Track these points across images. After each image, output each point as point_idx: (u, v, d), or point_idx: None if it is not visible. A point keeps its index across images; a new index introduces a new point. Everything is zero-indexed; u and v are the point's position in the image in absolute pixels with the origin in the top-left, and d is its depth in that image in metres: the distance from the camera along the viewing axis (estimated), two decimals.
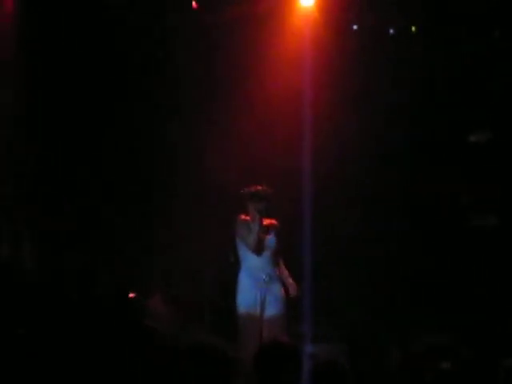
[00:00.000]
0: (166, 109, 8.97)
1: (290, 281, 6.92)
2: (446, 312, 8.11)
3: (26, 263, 7.80)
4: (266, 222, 6.94)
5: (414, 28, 8.97)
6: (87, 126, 8.65)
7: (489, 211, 9.04)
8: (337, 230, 8.89)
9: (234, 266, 7.08)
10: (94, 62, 8.62)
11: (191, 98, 8.93)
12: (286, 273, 6.97)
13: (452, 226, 9.06)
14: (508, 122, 9.00)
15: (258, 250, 6.82)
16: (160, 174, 8.98)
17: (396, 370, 5.84)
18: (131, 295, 6.60)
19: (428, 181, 9.15)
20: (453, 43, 8.95)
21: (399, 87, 8.92)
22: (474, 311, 8.15)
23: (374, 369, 6.76)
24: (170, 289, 8.38)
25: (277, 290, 6.88)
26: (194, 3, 8.81)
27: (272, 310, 6.82)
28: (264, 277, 6.84)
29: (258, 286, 6.83)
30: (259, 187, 6.86)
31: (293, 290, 6.88)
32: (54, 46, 8.50)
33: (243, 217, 6.92)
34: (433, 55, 9.00)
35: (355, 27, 9.00)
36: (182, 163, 8.97)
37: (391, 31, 9.02)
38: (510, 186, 9.00)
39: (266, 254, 6.88)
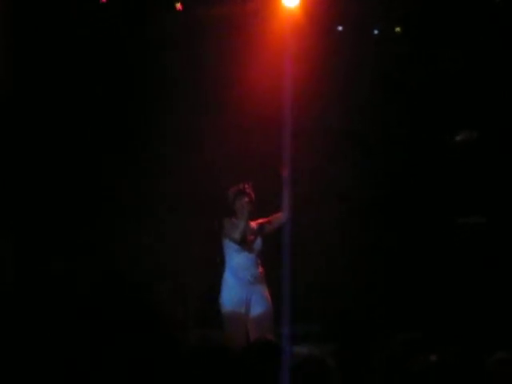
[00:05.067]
0: (151, 104, 8.93)
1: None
2: (431, 308, 8.17)
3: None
4: (252, 223, 7.01)
5: (398, 28, 8.98)
6: (71, 127, 8.61)
7: (474, 210, 9.05)
8: (319, 225, 8.89)
9: (220, 267, 7.10)
10: (82, 60, 8.61)
11: (177, 94, 8.90)
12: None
13: (436, 224, 9.08)
14: (494, 121, 9.03)
15: (244, 244, 6.90)
16: (143, 171, 8.90)
17: (383, 366, 5.86)
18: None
19: (412, 178, 9.16)
20: (438, 44, 8.98)
21: (383, 87, 8.94)
22: (460, 307, 8.21)
23: (360, 366, 6.76)
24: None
25: (262, 289, 6.93)
26: (178, 4, 8.80)
27: (258, 310, 6.86)
28: (249, 277, 6.87)
29: (243, 286, 6.86)
30: (242, 184, 7.02)
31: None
32: (41, 47, 8.48)
33: (228, 219, 7.03)
34: (418, 55, 9.01)
35: (340, 28, 9.00)
36: (165, 157, 8.90)
37: (375, 32, 9.03)
38: (495, 184, 9.02)
39: (252, 254, 6.94)
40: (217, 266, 7.28)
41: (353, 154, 9.08)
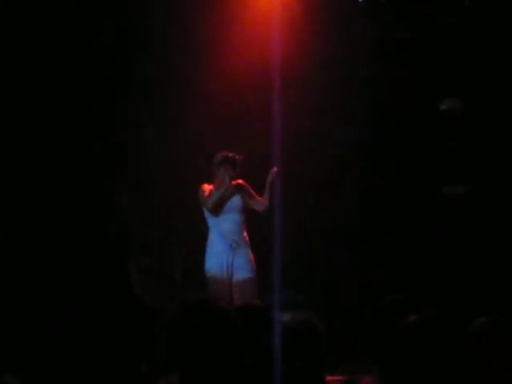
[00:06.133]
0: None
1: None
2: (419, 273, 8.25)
3: None
4: (232, 183, 7.01)
5: None
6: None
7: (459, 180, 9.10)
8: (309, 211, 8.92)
9: (205, 234, 7.12)
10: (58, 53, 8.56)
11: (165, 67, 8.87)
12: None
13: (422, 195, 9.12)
14: (480, 91, 9.04)
15: (217, 210, 6.89)
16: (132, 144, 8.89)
17: (368, 328, 5.95)
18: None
19: (397, 150, 9.18)
20: (423, 14, 8.97)
21: (368, 59, 8.95)
22: (444, 276, 8.28)
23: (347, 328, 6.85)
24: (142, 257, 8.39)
25: (245, 254, 6.94)
26: None
27: (241, 274, 6.88)
28: (231, 242, 6.89)
29: (225, 252, 6.88)
30: (232, 153, 6.95)
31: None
32: (19, 43, 8.43)
33: (205, 185, 7.03)
34: (403, 25, 9.01)
35: None
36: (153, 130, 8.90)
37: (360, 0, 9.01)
38: (480, 155, 9.06)
39: (234, 216, 6.97)
40: (201, 232, 7.30)
41: (339, 128, 9.07)
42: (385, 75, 9.02)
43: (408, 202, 9.01)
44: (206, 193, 6.95)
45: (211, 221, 6.99)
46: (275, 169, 6.90)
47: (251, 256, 6.96)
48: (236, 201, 6.99)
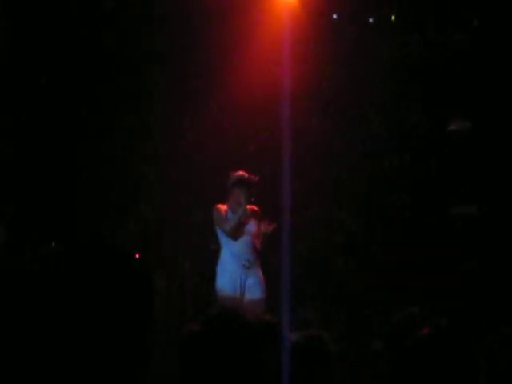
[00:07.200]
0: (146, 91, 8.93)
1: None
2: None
3: None
4: (248, 207, 6.98)
5: (393, 17, 9.00)
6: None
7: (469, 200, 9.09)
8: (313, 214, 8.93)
9: (216, 253, 7.11)
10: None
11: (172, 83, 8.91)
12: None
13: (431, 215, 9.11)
14: (487, 112, 9.05)
15: (235, 236, 6.88)
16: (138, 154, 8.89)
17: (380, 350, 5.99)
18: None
19: (407, 171, 9.19)
20: (432, 32, 9.00)
21: (379, 75, 8.96)
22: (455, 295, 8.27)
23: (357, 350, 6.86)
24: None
25: (257, 274, 6.93)
26: None
27: (252, 294, 6.86)
28: (244, 262, 6.88)
29: (238, 271, 6.87)
30: (245, 173, 6.94)
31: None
32: (22, 45, 8.49)
33: (219, 205, 6.97)
34: (412, 44, 9.03)
35: (335, 16, 9.03)
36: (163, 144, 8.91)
37: (370, 20, 9.05)
38: (490, 175, 9.05)
39: (247, 239, 6.93)
40: (212, 252, 7.30)
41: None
42: (394, 92, 9.04)
43: (419, 218, 9.01)
44: (222, 214, 6.93)
45: (223, 240, 6.98)
46: (274, 225, 6.88)
47: (262, 276, 6.96)
48: (251, 226, 6.97)
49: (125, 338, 2.31)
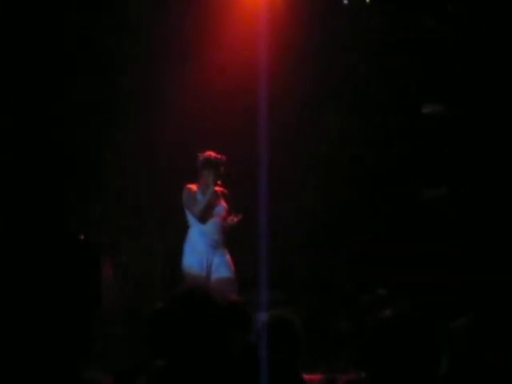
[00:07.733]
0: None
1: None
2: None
3: None
4: (216, 189, 6.98)
5: None
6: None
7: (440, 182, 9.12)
8: (294, 199, 8.92)
9: (183, 232, 7.10)
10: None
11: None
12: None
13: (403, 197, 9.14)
14: (463, 94, 9.06)
15: (204, 218, 6.89)
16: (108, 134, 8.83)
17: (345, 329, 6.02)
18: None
19: (381, 152, 9.20)
20: (408, 15, 9.00)
21: (351, 56, 8.96)
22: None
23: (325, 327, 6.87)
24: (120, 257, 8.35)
25: (224, 254, 6.94)
26: None
27: (219, 273, 6.87)
28: (212, 242, 6.88)
29: (206, 251, 6.87)
30: (213, 154, 6.91)
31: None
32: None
33: (189, 185, 6.97)
34: (386, 26, 9.02)
35: None
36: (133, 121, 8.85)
37: (345, 1, 9.02)
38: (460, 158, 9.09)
39: (215, 220, 6.94)
40: (180, 230, 7.28)
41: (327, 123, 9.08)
42: (367, 74, 9.04)
43: (391, 202, 9.03)
44: (192, 194, 6.90)
45: (192, 220, 6.97)
46: (240, 217, 6.88)
47: (229, 256, 6.96)
48: (220, 208, 6.98)
49: (65, 318, 2.27)
